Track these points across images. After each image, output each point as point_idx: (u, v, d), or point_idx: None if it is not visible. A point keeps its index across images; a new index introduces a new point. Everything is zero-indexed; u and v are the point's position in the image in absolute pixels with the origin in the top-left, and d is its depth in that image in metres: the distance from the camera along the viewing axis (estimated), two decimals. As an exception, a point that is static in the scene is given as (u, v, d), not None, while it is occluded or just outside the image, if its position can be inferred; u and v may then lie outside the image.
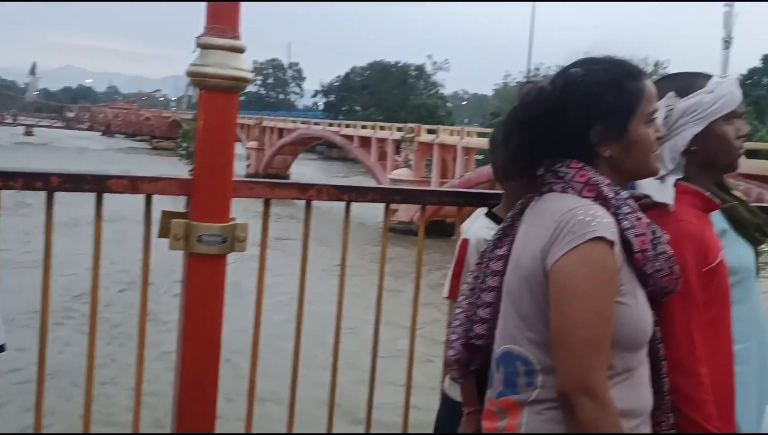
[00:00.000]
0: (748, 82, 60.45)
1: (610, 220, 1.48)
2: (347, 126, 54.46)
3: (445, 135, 41.55)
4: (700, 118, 1.80)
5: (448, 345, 1.75)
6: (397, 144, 44.04)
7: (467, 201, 2.41)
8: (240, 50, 1.86)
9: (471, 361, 1.72)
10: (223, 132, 1.89)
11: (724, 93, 1.82)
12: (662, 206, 1.74)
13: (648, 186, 1.76)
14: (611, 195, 1.51)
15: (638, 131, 1.55)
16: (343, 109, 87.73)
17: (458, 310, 1.74)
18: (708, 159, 1.85)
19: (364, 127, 51.37)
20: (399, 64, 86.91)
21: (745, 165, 26.91)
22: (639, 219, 1.53)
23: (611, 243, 1.45)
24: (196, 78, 1.84)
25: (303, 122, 61.03)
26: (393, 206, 2.27)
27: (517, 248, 1.59)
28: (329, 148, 79.24)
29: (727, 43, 70.27)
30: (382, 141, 47.00)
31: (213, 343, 1.96)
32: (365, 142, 49.08)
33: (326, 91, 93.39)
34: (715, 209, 1.86)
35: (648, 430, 1.58)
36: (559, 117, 1.54)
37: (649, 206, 1.74)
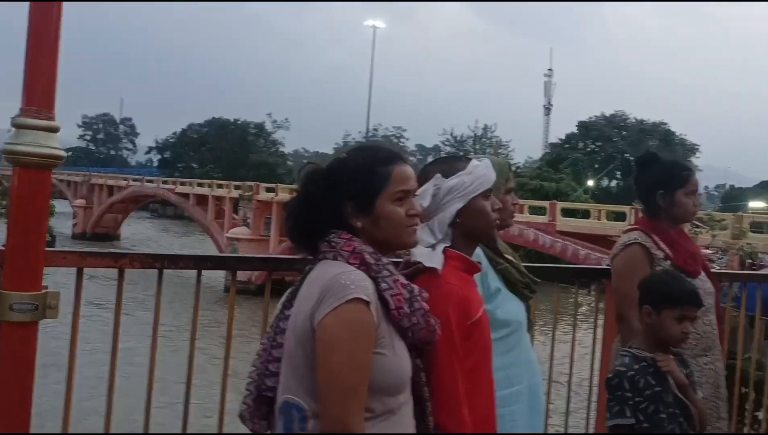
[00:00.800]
0: (566, 146, 64.69)
1: (368, 283, 1.72)
2: (183, 183, 53.22)
3: (284, 193, 41.57)
4: (462, 195, 2.10)
5: (242, 401, 1.91)
6: (235, 202, 43.59)
7: (276, 266, 2.61)
8: (54, 130, 1.99)
9: (270, 414, 1.89)
10: (35, 206, 1.99)
11: (480, 174, 2.13)
12: (433, 270, 2.02)
13: (421, 254, 2.04)
14: (372, 261, 1.77)
15: (384, 207, 1.82)
16: (179, 166, 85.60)
17: (252, 369, 1.92)
18: (470, 229, 2.14)
19: (200, 184, 50.39)
20: (238, 122, 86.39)
21: (563, 223, 29.27)
22: (396, 281, 1.78)
23: (367, 303, 1.69)
24: (10, 156, 1.94)
25: (135, 179, 58.85)
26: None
27: (294, 309, 1.82)
28: (164, 206, 76.74)
29: (547, 109, 76.50)
30: (219, 199, 46.29)
31: (23, 410, 2.00)
32: (202, 200, 48.11)
33: (161, 147, 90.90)
34: (477, 271, 2.17)
35: None
36: (325, 194, 1.84)
37: (422, 271, 2.03)
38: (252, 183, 43.56)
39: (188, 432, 2.50)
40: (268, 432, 1.92)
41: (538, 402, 2.49)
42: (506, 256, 2.55)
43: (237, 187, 43.99)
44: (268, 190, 42.39)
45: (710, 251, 14.34)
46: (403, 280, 1.82)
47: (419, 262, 2.03)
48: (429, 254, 2.03)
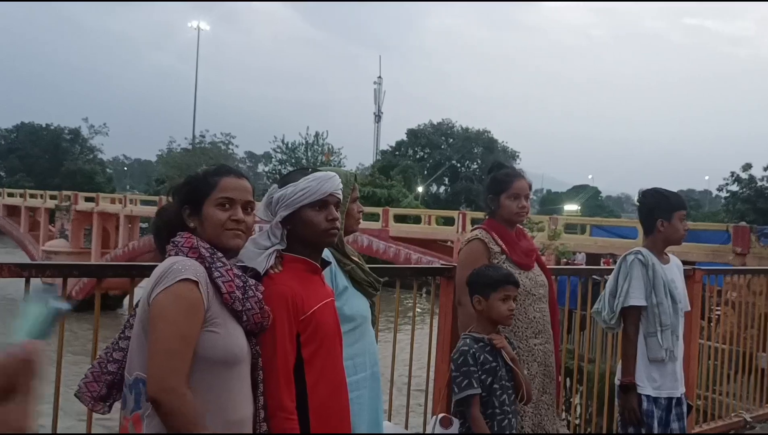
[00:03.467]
0: (397, 153, 66.25)
1: (200, 269, 1.97)
2: (-10, 194, 49.14)
3: (106, 203, 39.62)
4: (286, 204, 2.27)
5: (78, 383, 2.10)
6: (52, 213, 40.93)
7: (141, 273, 2.69)
8: None
9: (108, 397, 2.11)
10: None
11: (305, 187, 2.28)
12: (267, 272, 2.20)
13: (245, 255, 2.21)
14: (207, 254, 2.02)
15: (207, 211, 2.09)
16: (-16, 174, 78.94)
17: (97, 357, 2.14)
18: (300, 235, 2.31)
19: (11, 194, 46.79)
20: (51, 127, 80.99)
21: (395, 229, 30.12)
22: (228, 270, 2.03)
23: (196, 283, 1.93)
24: None
25: (-67, 190, 53.44)
26: (47, 281, 2.36)
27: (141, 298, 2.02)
28: (-33, 219, 70.30)
29: (378, 117, 77.84)
30: (33, 210, 43.30)
31: None
32: (13, 211, 44.71)
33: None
34: (318, 272, 2.34)
35: (249, 431, 2.03)
36: (173, 200, 2.17)
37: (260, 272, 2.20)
38: (70, 192, 41.07)
39: None
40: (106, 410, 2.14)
41: (377, 387, 2.74)
42: (353, 257, 2.78)
43: (53, 197, 41.30)
44: (88, 199, 40.17)
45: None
46: (236, 271, 2.06)
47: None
48: (254, 256, 2.22)
